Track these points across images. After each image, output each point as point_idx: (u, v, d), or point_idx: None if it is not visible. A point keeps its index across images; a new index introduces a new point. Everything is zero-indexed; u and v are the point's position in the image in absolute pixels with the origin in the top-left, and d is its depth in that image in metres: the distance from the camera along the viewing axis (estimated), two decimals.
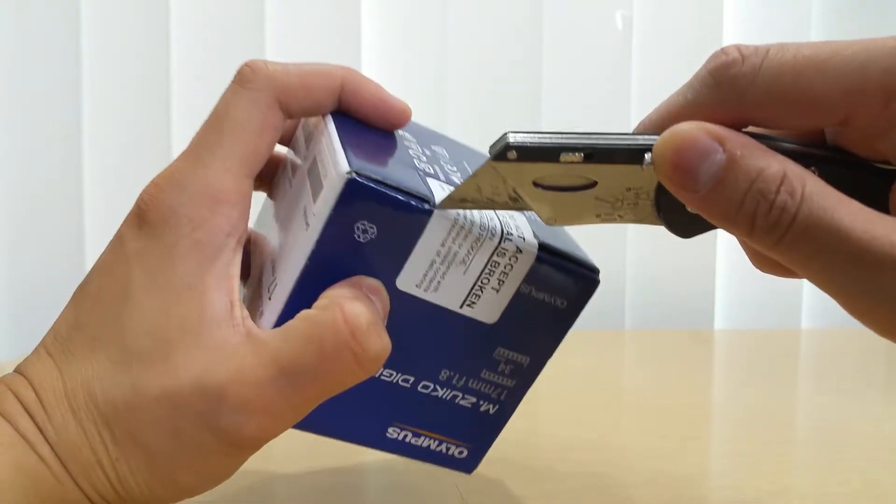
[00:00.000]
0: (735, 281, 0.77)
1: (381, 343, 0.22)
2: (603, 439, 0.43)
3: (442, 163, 0.27)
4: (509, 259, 0.24)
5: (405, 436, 0.27)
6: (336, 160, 0.23)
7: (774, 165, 0.19)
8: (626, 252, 0.74)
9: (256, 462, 0.38)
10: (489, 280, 0.24)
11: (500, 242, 0.24)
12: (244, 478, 0.36)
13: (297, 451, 0.40)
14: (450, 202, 0.23)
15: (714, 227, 0.22)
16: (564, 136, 0.20)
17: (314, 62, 0.26)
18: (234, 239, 0.23)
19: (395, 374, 0.26)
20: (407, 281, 0.24)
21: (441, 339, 0.25)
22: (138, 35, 0.74)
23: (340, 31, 0.75)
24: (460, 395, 0.27)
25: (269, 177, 0.30)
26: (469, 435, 0.28)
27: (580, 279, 0.26)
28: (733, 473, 0.38)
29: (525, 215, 0.27)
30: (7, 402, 0.22)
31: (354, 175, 0.22)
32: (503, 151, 0.20)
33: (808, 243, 0.18)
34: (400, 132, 0.28)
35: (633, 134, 0.21)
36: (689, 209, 0.21)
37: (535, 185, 0.21)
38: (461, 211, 0.23)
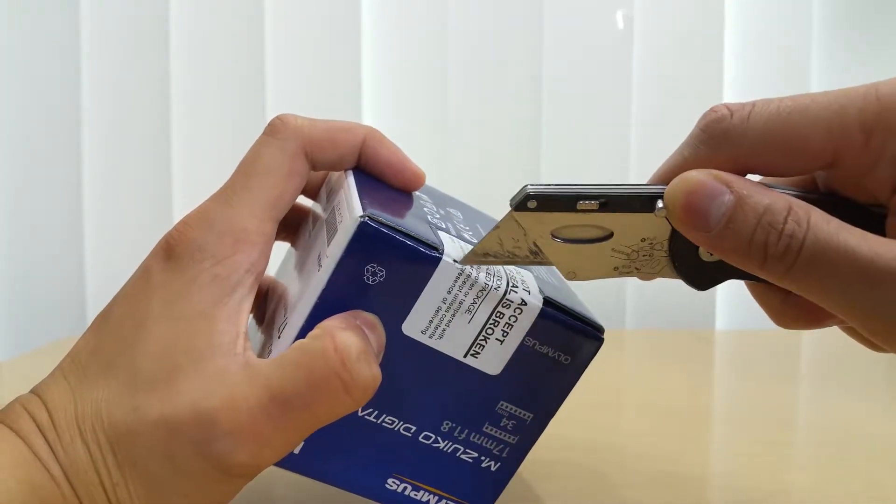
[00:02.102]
0: (736, 281, 0.77)
1: (370, 372, 0.23)
2: (603, 439, 0.43)
3: (455, 221, 0.28)
4: (514, 311, 0.25)
5: (405, 488, 0.27)
6: (351, 206, 0.24)
7: (780, 200, 0.20)
8: None
9: None
10: (493, 331, 0.25)
11: (505, 293, 0.24)
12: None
13: None
14: (473, 257, 0.24)
15: (727, 278, 0.23)
16: (581, 186, 0.22)
17: (340, 120, 0.27)
18: (252, 276, 0.24)
19: (396, 421, 0.26)
20: (412, 327, 0.24)
21: (444, 388, 0.26)
22: (138, 35, 0.74)
23: (340, 30, 0.75)
24: (462, 449, 0.27)
25: (295, 227, 0.31)
26: (469, 493, 0.28)
27: (584, 336, 0.26)
28: (733, 473, 0.38)
29: (532, 272, 0.27)
30: (23, 420, 0.23)
31: (367, 219, 0.23)
32: (524, 201, 0.22)
33: (818, 267, 0.19)
34: (416, 193, 0.29)
35: (646, 185, 0.22)
36: (702, 257, 0.22)
37: (554, 237, 0.23)
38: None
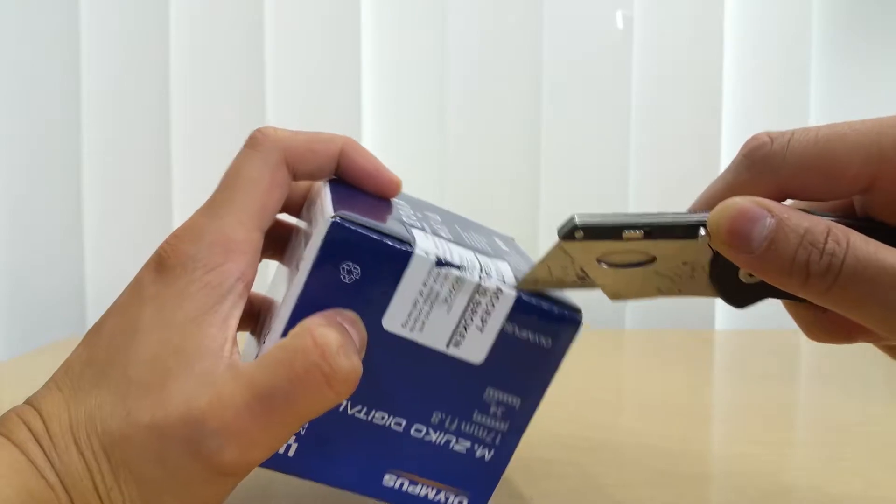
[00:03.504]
0: None
1: (350, 364, 0.23)
2: (603, 439, 0.43)
3: (431, 222, 0.29)
4: (490, 298, 0.25)
5: (402, 483, 0.27)
6: (325, 210, 0.24)
7: (819, 223, 0.21)
8: None
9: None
10: (472, 319, 0.25)
11: (479, 281, 0.25)
12: (244, 480, 0.36)
13: None
14: (524, 284, 0.25)
15: (767, 297, 0.24)
16: (626, 216, 0.23)
17: (319, 131, 0.28)
18: (242, 284, 0.25)
19: (387, 416, 0.26)
20: (392, 321, 0.25)
21: (431, 380, 0.26)
22: (138, 36, 0.74)
23: (340, 30, 0.75)
24: (454, 440, 0.27)
25: (282, 242, 0.32)
26: (467, 482, 0.28)
27: (562, 319, 0.26)
28: (733, 473, 0.38)
29: (511, 264, 0.28)
30: (18, 430, 0.23)
31: (338, 218, 0.24)
32: (571, 232, 0.23)
33: (858, 283, 0.20)
34: (394, 200, 0.30)
35: (686, 213, 0.24)
36: (741, 279, 0.23)
37: (600, 261, 0.24)
38: (440, 252, 0.25)
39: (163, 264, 0.25)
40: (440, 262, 0.25)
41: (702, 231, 0.23)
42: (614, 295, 0.24)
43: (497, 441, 0.28)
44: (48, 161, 0.72)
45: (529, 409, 0.27)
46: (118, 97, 0.75)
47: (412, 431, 0.27)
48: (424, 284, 0.25)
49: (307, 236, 0.26)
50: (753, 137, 0.23)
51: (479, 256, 0.26)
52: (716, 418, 0.49)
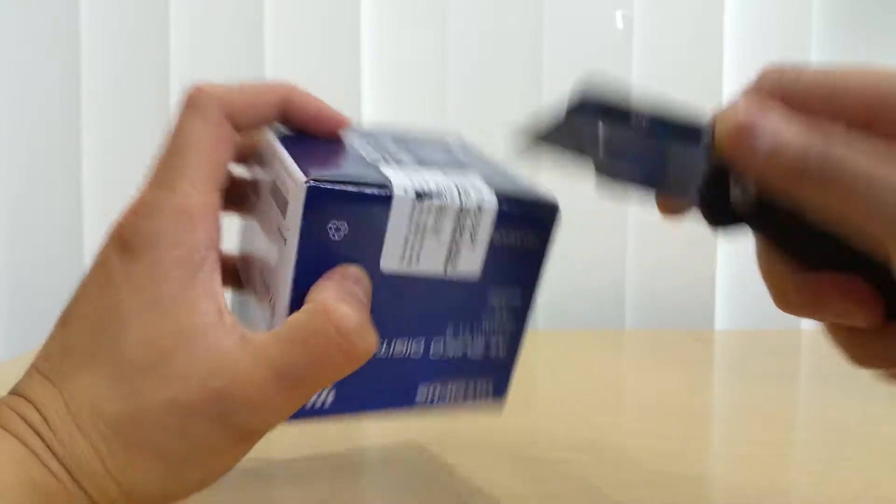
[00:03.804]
0: (736, 281, 0.77)
1: (368, 340, 0.24)
2: (603, 439, 0.43)
3: (389, 150, 0.29)
4: (474, 216, 0.26)
5: (434, 391, 0.29)
6: (291, 174, 0.24)
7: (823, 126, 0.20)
8: (626, 252, 0.74)
9: (256, 464, 0.38)
10: (462, 239, 0.26)
11: (461, 204, 0.26)
12: (244, 481, 0.36)
13: (296, 453, 0.40)
14: (531, 137, 0.25)
15: (743, 222, 0.22)
16: (635, 101, 0.23)
17: (257, 81, 0.28)
18: (213, 251, 0.25)
19: (407, 344, 0.28)
20: (389, 262, 0.26)
21: (437, 302, 0.27)
22: (138, 35, 0.74)
23: (340, 30, 0.75)
24: (470, 345, 0.29)
25: (238, 197, 0.31)
26: (488, 373, 0.30)
27: (542, 215, 0.28)
28: (733, 473, 0.38)
29: (479, 173, 0.28)
30: (14, 422, 0.23)
31: (312, 182, 0.24)
32: (579, 105, 0.23)
33: (844, 167, 0.19)
34: (347, 137, 0.30)
35: (693, 114, 0.23)
36: (732, 199, 0.22)
37: (599, 137, 0.24)
38: (416, 185, 0.25)
39: (127, 244, 0.24)
40: (420, 196, 0.25)
41: (705, 139, 0.22)
42: (601, 170, 0.24)
43: (506, 337, 0.30)
44: (48, 161, 0.72)
45: (529, 300, 0.29)
46: (118, 97, 0.75)
47: (432, 350, 0.28)
48: (411, 220, 0.25)
49: (278, 199, 0.25)
50: (768, 65, 0.23)
51: (452, 176, 0.27)
52: (715, 418, 0.49)
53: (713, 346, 0.71)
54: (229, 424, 0.23)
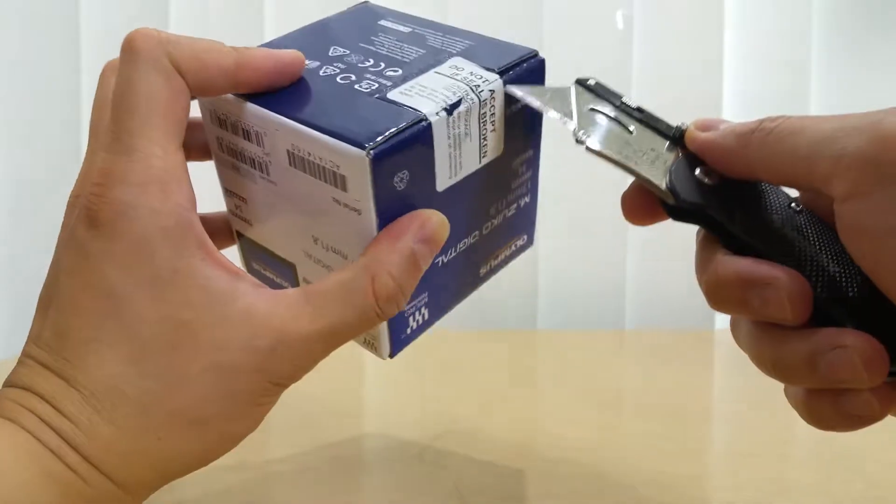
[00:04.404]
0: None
1: (396, 309, 0.25)
2: (603, 439, 0.43)
3: (364, 67, 0.29)
4: (491, 103, 0.28)
5: (491, 262, 0.33)
6: (336, 148, 0.24)
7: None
8: (626, 252, 0.74)
9: (257, 464, 0.38)
10: (486, 128, 0.28)
11: (478, 97, 0.27)
12: (245, 480, 0.36)
13: (297, 452, 0.40)
14: (529, 95, 0.28)
15: (703, 208, 0.25)
16: (627, 98, 0.28)
17: (204, 39, 0.25)
18: (193, 212, 0.24)
19: (466, 241, 0.30)
20: (442, 182, 0.27)
21: (480, 193, 0.29)
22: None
23: None
24: (507, 211, 0.32)
25: (197, 144, 0.30)
26: (521, 229, 0.34)
27: (532, 70, 0.29)
28: (733, 473, 0.38)
29: (459, 54, 0.29)
30: (24, 416, 0.23)
31: (372, 152, 0.24)
32: (586, 79, 0.29)
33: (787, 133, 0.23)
34: (311, 69, 0.29)
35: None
36: (697, 175, 0.26)
37: (592, 110, 0.28)
38: (442, 101, 0.26)
39: (96, 218, 0.23)
40: (448, 111, 0.26)
41: (682, 126, 0.27)
42: (584, 133, 0.26)
43: (528, 187, 0.32)
44: (48, 161, 0.72)
45: (538, 145, 0.32)
46: None
47: (483, 233, 0.31)
48: (448, 136, 0.26)
49: (320, 173, 0.25)
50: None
51: (448, 72, 0.28)
52: (716, 418, 0.49)
53: (713, 346, 0.71)
54: (272, 377, 0.24)
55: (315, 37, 0.32)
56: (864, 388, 0.23)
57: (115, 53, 0.26)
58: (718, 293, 0.25)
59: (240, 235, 0.32)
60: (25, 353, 0.24)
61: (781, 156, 0.23)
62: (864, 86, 0.75)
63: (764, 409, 0.48)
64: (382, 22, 0.32)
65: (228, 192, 0.31)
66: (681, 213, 0.26)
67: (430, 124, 0.25)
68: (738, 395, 0.53)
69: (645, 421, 0.46)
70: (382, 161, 0.24)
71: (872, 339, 0.22)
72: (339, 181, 0.25)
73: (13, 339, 0.72)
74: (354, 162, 0.24)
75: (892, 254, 0.21)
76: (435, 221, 0.26)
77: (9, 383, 0.24)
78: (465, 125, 0.27)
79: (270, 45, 0.30)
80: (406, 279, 0.25)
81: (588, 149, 0.26)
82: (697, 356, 0.65)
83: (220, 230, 0.32)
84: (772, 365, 0.25)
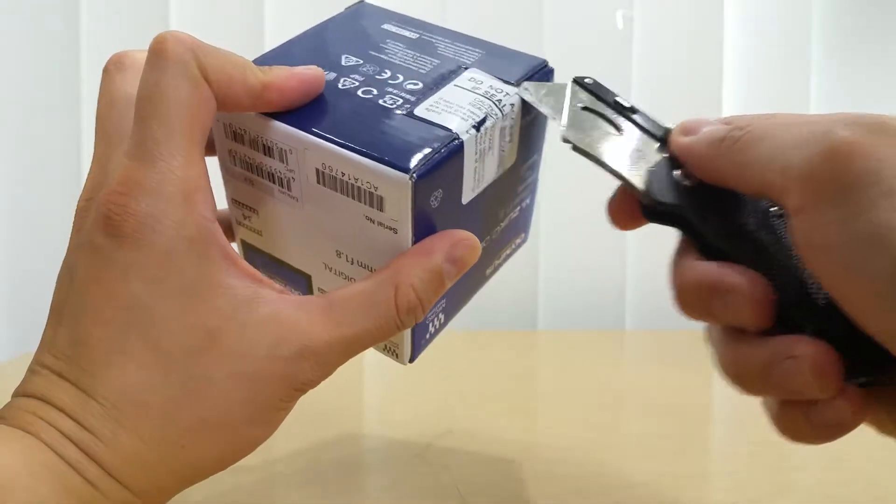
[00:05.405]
0: None
1: (418, 319, 0.26)
2: (603, 439, 0.43)
3: (384, 80, 0.28)
4: (510, 117, 0.28)
5: (495, 263, 0.34)
6: (375, 170, 0.24)
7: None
8: (626, 252, 0.74)
9: (258, 464, 0.38)
10: (505, 140, 0.28)
11: (500, 112, 0.27)
12: (246, 480, 0.36)
13: (297, 452, 0.40)
14: (531, 92, 0.28)
15: (680, 208, 0.25)
16: (621, 98, 0.29)
17: (230, 52, 0.25)
18: (214, 221, 0.24)
19: (486, 239, 0.31)
20: (467, 195, 0.28)
21: (493, 200, 0.30)
22: (138, 35, 0.74)
23: None
24: (512, 213, 0.33)
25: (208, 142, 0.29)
26: (523, 228, 0.35)
27: (542, 79, 0.30)
28: (733, 473, 0.38)
29: (474, 66, 0.30)
30: (44, 430, 0.22)
31: (415, 176, 0.24)
32: (583, 78, 0.29)
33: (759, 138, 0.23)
34: (329, 82, 0.28)
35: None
36: (676, 178, 0.26)
37: (584, 109, 0.28)
38: (470, 118, 0.27)
39: (119, 228, 0.23)
40: (477, 127, 0.26)
41: (663, 138, 0.27)
42: (572, 129, 0.27)
43: (531, 189, 0.33)
44: (48, 161, 0.72)
45: (541, 150, 0.33)
46: None
47: (492, 238, 0.32)
48: (476, 152, 0.27)
49: (354, 192, 0.25)
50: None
51: (466, 86, 0.28)
52: (716, 418, 0.49)
53: None
54: (295, 383, 0.24)
55: (322, 43, 0.31)
56: (829, 398, 0.23)
57: (115, 53, 0.26)
58: (683, 298, 0.25)
59: (244, 243, 0.32)
60: (38, 362, 0.23)
61: (744, 167, 0.23)
62: (864, 86, 0.75)
63: (764, 409, 0.48)
64: (386, 26, 0.32)
65: (237, 203, 0.30)
66: (655, 213, 0.26)
67: (462, 143, 0.26)
68: (738, 395, 0.53)
69: (645, 421, 0.46)
70: (423, 183, 0.24)
71: (826, 347, 0.22)
72: (375, 201, 0.25)
73: (13, 340, 0.72)
74: (396, 185, 0.24)
75: (837, 269, 0.21)
76: (469, 244, 0.26)
77: (22, 392, 0.23)
78: (489, 140, 0.27)
79: (278, 53, 0.29)
80: (428, 294, 0.25)
81: (574, 147, 0.26)
82: (697, 356, 0.65)
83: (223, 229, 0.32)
84: (733, 374, 0.25)
